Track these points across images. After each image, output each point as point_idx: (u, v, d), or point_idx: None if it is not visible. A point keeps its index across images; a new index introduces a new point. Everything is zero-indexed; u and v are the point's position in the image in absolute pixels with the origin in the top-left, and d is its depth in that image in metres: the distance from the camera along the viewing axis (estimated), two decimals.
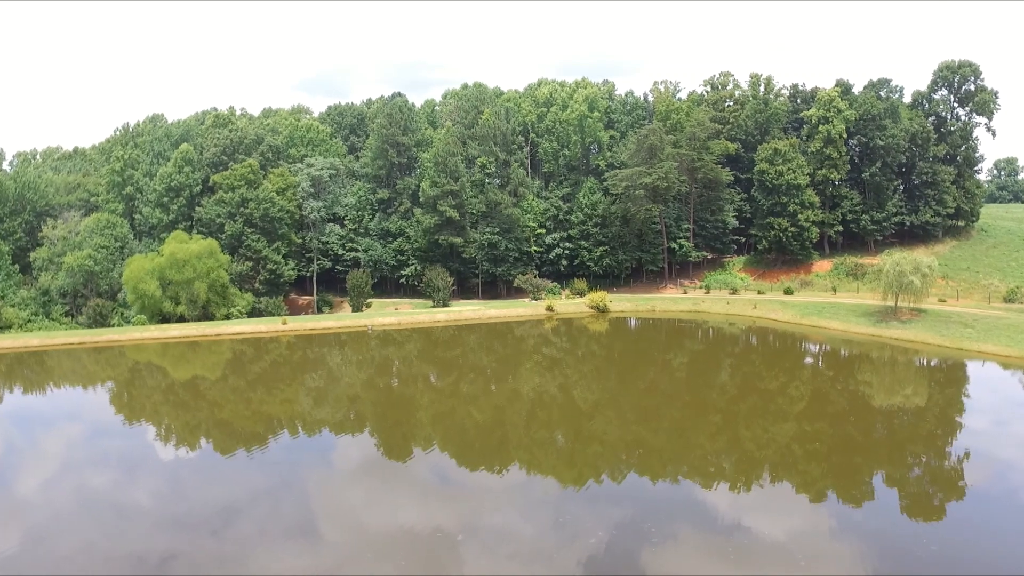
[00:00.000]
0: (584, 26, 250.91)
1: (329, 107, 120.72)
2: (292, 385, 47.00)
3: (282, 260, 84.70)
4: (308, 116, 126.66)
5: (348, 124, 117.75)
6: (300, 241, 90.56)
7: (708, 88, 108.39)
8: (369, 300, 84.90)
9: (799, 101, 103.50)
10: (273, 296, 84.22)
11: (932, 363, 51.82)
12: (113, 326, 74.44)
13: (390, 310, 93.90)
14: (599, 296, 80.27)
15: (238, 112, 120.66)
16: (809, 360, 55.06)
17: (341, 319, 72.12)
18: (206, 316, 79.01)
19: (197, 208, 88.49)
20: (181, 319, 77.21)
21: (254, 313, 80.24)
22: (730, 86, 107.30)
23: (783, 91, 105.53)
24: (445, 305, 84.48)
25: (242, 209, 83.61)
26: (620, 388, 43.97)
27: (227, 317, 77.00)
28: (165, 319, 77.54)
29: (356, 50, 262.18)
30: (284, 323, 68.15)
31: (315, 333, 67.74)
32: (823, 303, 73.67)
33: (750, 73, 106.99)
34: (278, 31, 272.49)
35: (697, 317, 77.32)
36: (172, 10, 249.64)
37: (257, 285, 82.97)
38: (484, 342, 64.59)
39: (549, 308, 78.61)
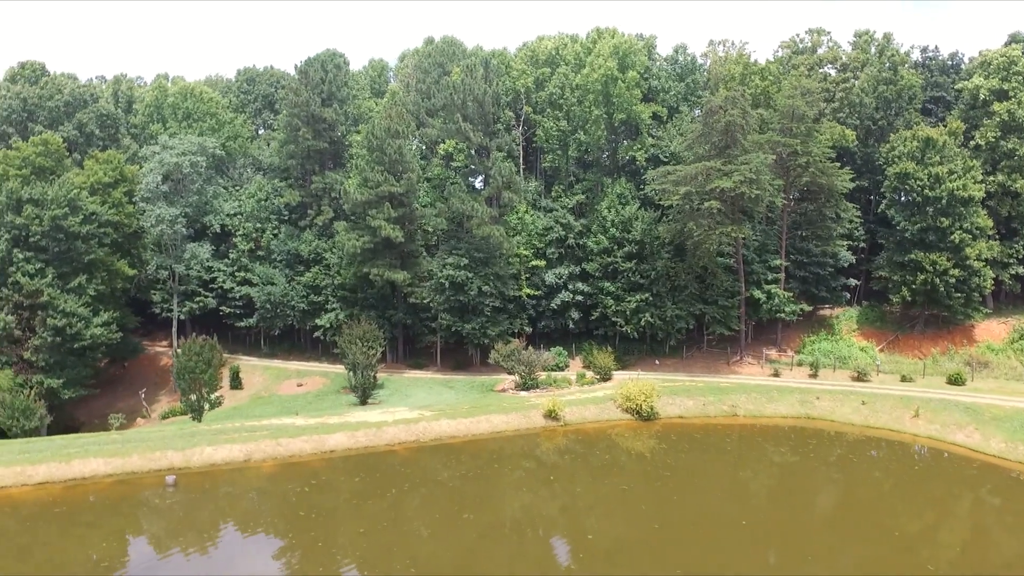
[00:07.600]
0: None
1: (238, 71, 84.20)
2: None
3: (86, 311, 47.83)
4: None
5: (262, 95, 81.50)
6: (135, 273, 54.00)
7: (789, 53, 72.96)
8: (232, 370, 48.64)
9: (935, 72, 68.18)
10: (70, 369, 47.65)
11: None
12: None
13: (290, 384, 57.82)
14: (640, 389, 44.51)
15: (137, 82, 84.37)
16: None
17: (125, 449, 35.08)
18: None
19: None
20: None
21: None
22: (823, 49, 71.95)
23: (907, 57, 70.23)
24: (367, 392, 48.34)
25: (11, 217, 47.01)
26: None
27: None
28: None
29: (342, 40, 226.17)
30: None
31: (45, 498, 31.35)
32: None
33: (855, 31, 71.62)
34: (240, 27, 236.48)
35: (809, 426, 44.79)
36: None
37: (28, 354, 46.16)
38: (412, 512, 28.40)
39: (551, 414, 42.64)
